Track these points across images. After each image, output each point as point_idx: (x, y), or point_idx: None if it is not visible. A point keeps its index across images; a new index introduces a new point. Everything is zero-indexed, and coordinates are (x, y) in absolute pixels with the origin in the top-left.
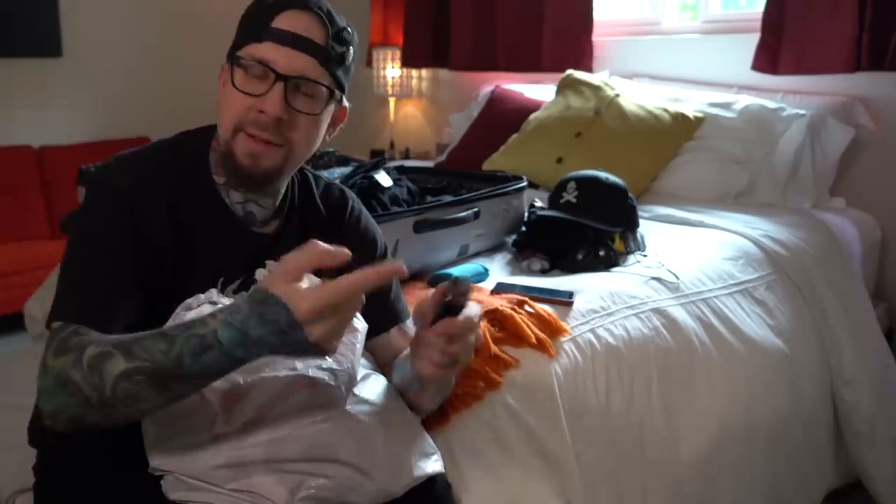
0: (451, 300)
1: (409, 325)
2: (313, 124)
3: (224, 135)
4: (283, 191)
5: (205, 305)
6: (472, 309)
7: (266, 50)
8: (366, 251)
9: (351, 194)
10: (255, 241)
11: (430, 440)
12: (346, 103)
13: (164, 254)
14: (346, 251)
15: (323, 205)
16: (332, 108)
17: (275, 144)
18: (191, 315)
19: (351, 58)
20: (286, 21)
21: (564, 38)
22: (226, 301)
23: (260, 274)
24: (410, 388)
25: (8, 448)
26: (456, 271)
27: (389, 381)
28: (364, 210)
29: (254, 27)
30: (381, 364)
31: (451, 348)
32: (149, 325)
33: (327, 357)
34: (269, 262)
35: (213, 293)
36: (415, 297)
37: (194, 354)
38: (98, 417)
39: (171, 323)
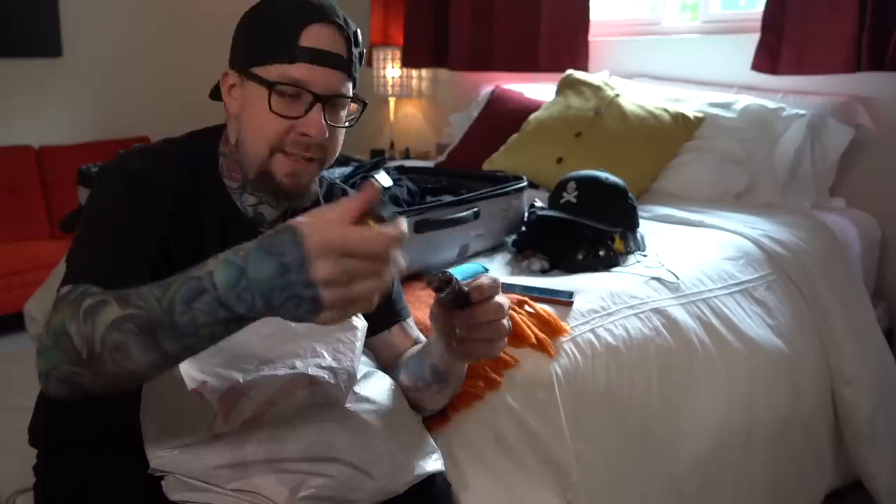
0: (451, 294)
1: (410, 324)
2: (342, 132)
3: (258, 154)
4: None
5: None
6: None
7: (300, 71)
8: None
9: (354, 194)
10: None
11: (431, 439)
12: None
13: (169, 244)
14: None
15: (326, 204)
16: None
17: (313, 160)
18: None
19: (362, 52)
20: (313, 38)
21: (561, 37)
22: None
23: None
24: (424, 383)
25: (8, 448)
26: (456, 271)
27: (394, 379)
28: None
29: (281, 46)
30: (384, 364)
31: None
32: None
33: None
34: None
35: None
36: (414, 297)
37: (186, 300)
38: (87, 378)
39: None
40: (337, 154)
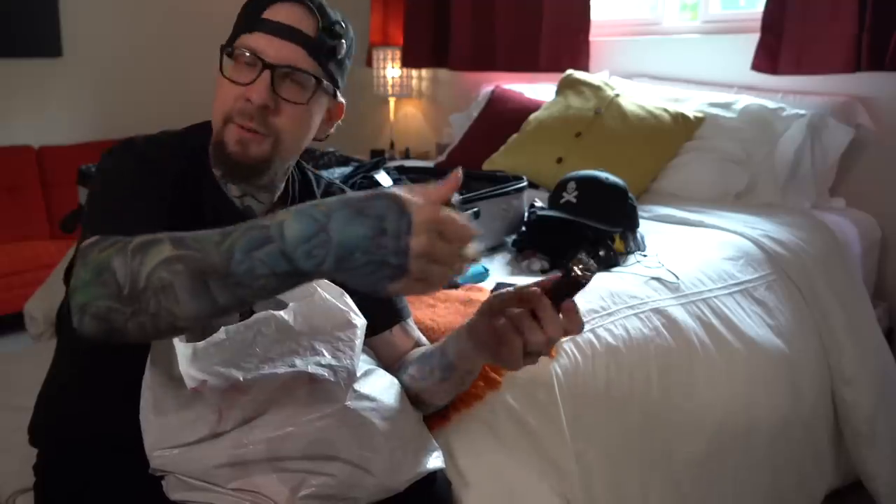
0: (576, 278)
1: (411, 324)
2: (302, 114)
3: (215, 126)
4: (280, 186)
5: None
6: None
7: (256, 40)
8: None
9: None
10: None
11: (431, 437)
12: (341, 98)
13: (175, 212)
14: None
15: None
16: (323, 101)
17: (262, 134)
18: None
19: (344, 52)
20: (277, 13)
21: (561, 37)
22: None
23: None
24: (429, 370)
25: (8, 448)
26: None
27: (398, 379)
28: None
29: (247, 20)
30: (385, 363)
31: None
32: None
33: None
34: None
35: None
36: (414, 297)
37: (247, 248)
38: (124, 317)
39: None
40: (299, 138)
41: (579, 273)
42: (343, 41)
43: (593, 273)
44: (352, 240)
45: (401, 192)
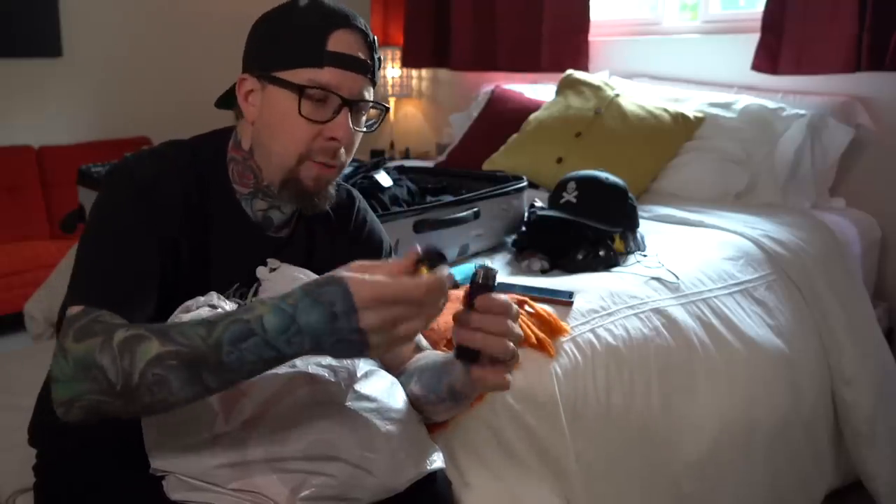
0: (481, 283)
1: None
2: (360, 137)
3: (287, 162)
4: None
5: (203, 308)
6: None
7: (328, 75)
8: (370, 255)
9: (357, 195)
10: (268, 243)
11: (430, 438)
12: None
13: (178, 249)
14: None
15: (330, 206)
16: None
17: (336, 167)
18: (187, 318)
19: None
20: (339, 43)
21: (561, 38)
22: (226, 305)
23: (261, 272)
24: (438, 399)
25: (8, 448)
26: (456, 271)
27: (402, 386)
28: (369, 211)
29: (309, 51)
30: (385, 364)
31: (498, 324)
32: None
33: (363, 357)
34: (270, 260)
35: (212, 296)
36: None
37: (234, 341)
38: (117, 407)
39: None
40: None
41: (480, 281)
42: (380, 54)
43: (494, 276)
44: (314, 327)
45: (349, 273)
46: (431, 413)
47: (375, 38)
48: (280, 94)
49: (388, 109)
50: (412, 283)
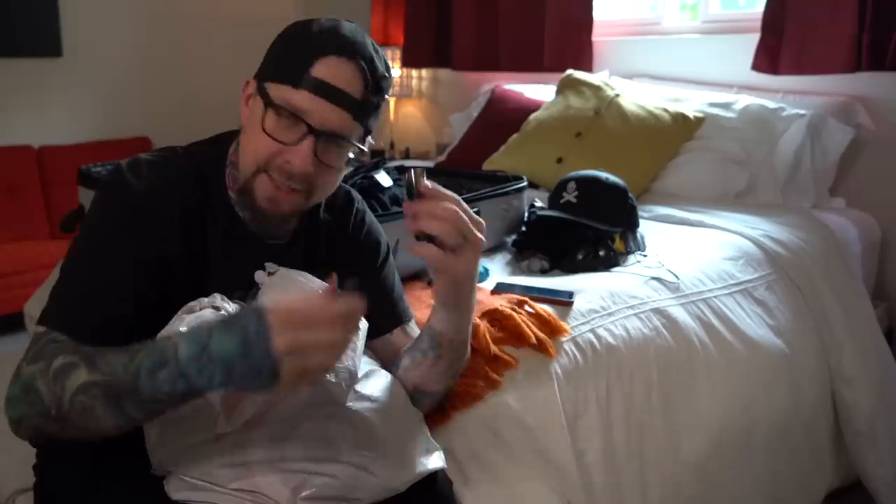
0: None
1: (412, 326)
2: (336, 172)
3: (244, 171)
4: None
5: (207, 310)
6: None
7: (301, 99)
8: (368, 257)
9: (356, 196)
10: (266, 250)
11: (431, 437)
12: (370, 143)
13: (174, 262)
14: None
15: (329, 208)
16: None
17: (296, 190)
18: (190, 318)
19: (384, 101)
20: (327, 70)
21: (564, 38)
22: (229, 306)
23: (259, 276)
24: (421, 354)
25: (8, 448)
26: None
27: (394, 375)
28: (368, 212)
29: (292, 70)
30: (386, 364)
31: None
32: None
33: (268, 393)
34: (269, 264)
35: (216, 297)
36: (415, 298)
37: (150, 371)
38: (56, 429)
39: (168, 325)
40: (329, 190)
41: (412, 177)
42: (386, 93)
43: (422, 171)
44: (226, 352)
45: (266, 302)
46: (426, 382)
47: (386, 77)
48: (259, 104)
49: (363, 152)
50: (325, 305)
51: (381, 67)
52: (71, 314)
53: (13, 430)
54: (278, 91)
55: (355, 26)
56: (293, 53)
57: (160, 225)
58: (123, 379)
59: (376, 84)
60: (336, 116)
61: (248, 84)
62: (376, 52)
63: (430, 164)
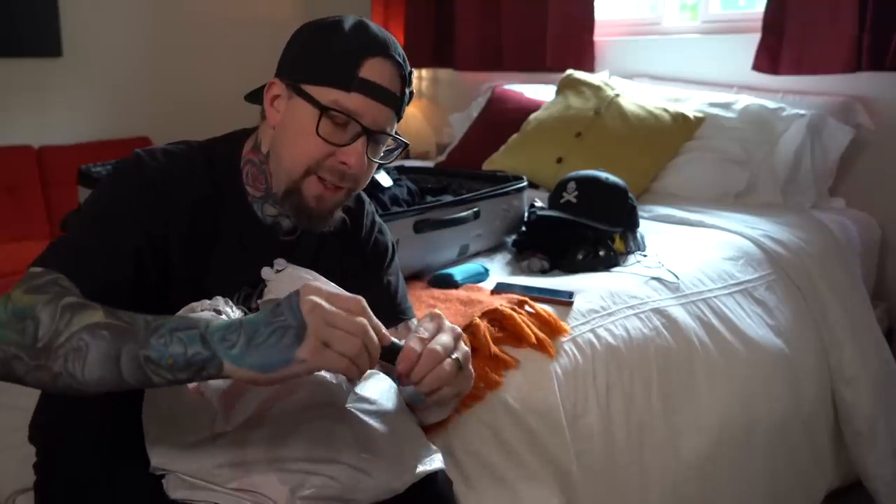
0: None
1: (415, 324)
2: (375, 166)
3: (293, 173)
4: None
5: (207, 312)
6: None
7: (354, 102)
8: (378, 260)
9: (366, 198)
10: (277, 246)
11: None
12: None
13: (180, 244)
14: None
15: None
16: None
17: (342, 188)
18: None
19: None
20: (373, 71)
21: (566, 38)
22: (231, 311)
23: (266, 273)
24: (423, 406)
25: (8, 448)
26: (456, 271)
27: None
28: (375, 214)
29: (339, 73)
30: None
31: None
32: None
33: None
34: (277, 261)
35: (218, 301)
36: (415, 298)
37: (173, 328)
38: (24, 368)
39: None
40: (365, 184)
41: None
42: (412, 88)
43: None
44: (256, 320)
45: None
46: (422, 417)
47: (412, 71)
48: (303, 107)
49: (407, 146)
50: (355, 297)
51: (407, 63)
52: (75, 260)
53: None
54: (328, 95)
55: (373, 23)
56: (336, 56)
57: (171, 206)
58: (140, 328)
59: (409, 78)
60: (384, 115)
61: (272, 85)
62: (401, 49)
63: (429, 164)
